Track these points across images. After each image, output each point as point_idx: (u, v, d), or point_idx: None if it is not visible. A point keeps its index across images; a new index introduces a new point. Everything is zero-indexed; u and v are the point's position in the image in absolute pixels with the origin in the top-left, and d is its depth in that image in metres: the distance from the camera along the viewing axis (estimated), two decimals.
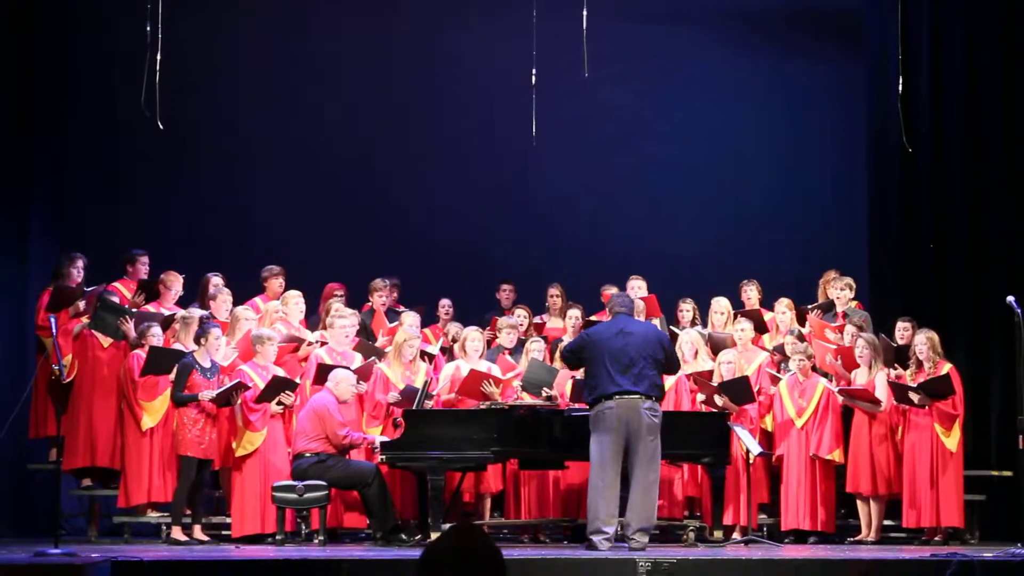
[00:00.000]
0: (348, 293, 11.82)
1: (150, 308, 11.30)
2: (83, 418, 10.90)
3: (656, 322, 11.52)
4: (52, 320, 9.60)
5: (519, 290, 12.56)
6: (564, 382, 10.82)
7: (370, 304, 11.92)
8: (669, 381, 10.83)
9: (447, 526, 9.63)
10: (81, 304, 11.01)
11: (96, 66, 13.10)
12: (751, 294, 11.92)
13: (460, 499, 10.68)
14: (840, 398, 10.66)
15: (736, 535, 10.54)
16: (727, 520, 10.64)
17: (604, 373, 9.28)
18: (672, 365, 9.75)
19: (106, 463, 10.91)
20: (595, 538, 9.18)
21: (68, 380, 10.78)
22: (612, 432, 9.21)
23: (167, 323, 10.95)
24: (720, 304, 11.67)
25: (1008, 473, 10.98)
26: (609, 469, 9.23)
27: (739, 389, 10.69)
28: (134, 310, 11.03)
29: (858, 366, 10.77)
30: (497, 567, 3.80)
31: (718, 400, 10.71)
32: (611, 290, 11.89)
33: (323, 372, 10.49)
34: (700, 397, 10.86)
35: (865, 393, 10.56)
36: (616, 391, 9.21)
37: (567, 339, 11.33)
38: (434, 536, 9.54)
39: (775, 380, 10.96)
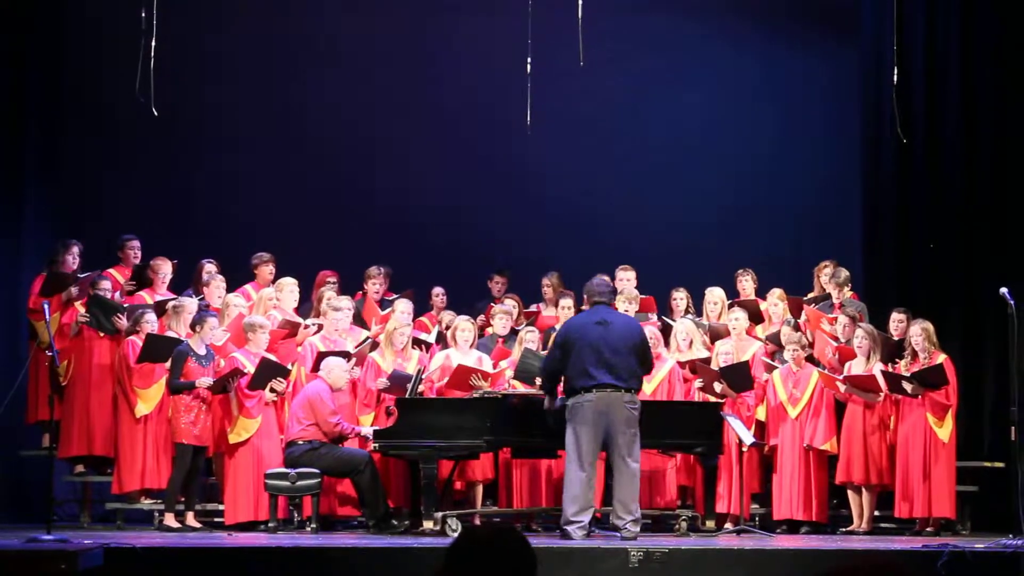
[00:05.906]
0: (340, 281, 11.81)
1: (145, 296, 11.30)
2: (79, 407, 10.90)
3: (652, 318, 11.49)
4: (45, 305, 9.62)
5: (513, 277, 12.54)
6: None
7: (363, 292, 11.91)
8: (663, 370, 10.85)
9: (439, 515, 9.66)
10: (74, 290, 11.00)
11: (91, 52, 13.07)
12: (746, 284, 11.91)
13: (452, 487, 10.68)
14: (842, 388, 10.58)
15: (728, 525, 10.54)
16: (719, 510, 10.65)
17: (580, 365, 9.18)
18: (646, 364, 9.55)
19: (102, 451, 10.91)
20: (568, 528, 9.09)
21: (64, 381, 10.83)
22: (589, 425, 9.14)
23: (160, 310, 10.94)
24: (714, 294, 11.63)
25: (1000, 464, 10.96)
26: (585, 461, 9.15)
27: (739, 375, 10.69)
28: (126, 305, 11.01)
29: (855, 357, 10.75)
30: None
31: (717, 387, 10.71)
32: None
33: (321, 360, 10.49)
34: (697, 384, 10.84)
35: (870, 381, 10.50)
36: (594, 384, 9.13)
37: (560, 328, 11.30)
38: (427, 524, 9.58)
39: (771, 369, 10.94)
